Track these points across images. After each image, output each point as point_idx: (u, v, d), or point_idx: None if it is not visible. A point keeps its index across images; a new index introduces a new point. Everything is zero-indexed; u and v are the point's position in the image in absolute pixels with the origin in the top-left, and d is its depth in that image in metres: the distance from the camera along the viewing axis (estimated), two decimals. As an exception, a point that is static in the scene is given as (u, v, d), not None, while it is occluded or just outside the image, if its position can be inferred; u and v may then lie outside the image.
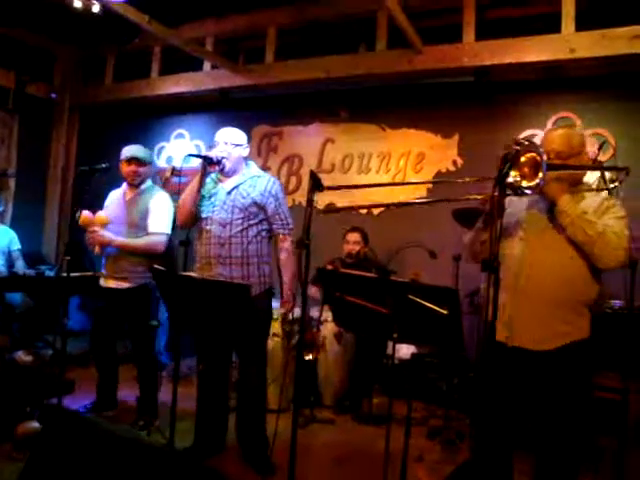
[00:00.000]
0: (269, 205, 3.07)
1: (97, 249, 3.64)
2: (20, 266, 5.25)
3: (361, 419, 4.10)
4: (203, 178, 2.99)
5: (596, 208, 2.27)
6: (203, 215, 3.07)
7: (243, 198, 3.03)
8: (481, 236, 2.39)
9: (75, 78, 6.50)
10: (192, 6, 5.23)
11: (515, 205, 2.47)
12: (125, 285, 3.60)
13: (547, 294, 2.25)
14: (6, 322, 5.00)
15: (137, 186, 3.73)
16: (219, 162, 3.00)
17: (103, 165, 3.51)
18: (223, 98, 5.74)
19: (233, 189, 3.07)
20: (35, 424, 3.15)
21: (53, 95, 6.41)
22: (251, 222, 3.03)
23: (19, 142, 6.23)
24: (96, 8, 4.58)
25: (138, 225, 3.63)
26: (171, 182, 5.62)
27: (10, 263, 5.22)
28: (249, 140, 5.75)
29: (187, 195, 3.05)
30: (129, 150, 3.71)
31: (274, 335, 4.23)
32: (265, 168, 5.73)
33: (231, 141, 3.09)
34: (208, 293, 2.41)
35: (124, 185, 3.80)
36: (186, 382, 4.21)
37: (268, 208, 3.08)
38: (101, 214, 3.65)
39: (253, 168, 3.20)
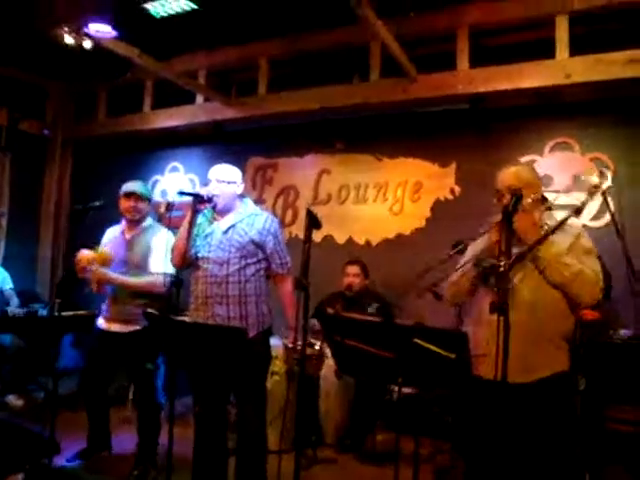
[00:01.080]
0: (267, 244, 2.99)
1: (95, 287, 3.51)
2: (14, 305, 5.13)
3: (364, 458, 3.96)
4: (194, 216, 2.91)
5: (569, 247, 2.30)
6: (199, 255, 2.98)
7: (240, 237, 2.95)
8: (471, 274, 2.38)
9: (67, 114, 6.46)
10: (183, 39, 5.20)
11: None
12: (131, 328, 3.46)
13: (527, 329, 2.23)
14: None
15: (137, 223, 3.63)
16: (210, 200, 2.92)
17: (97, 203, 3.44)
18: (216, 131, 5.71)
19: (229, 228, 2.99)
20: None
21: (46, 131, 6.36)
22: (249, 261, 2.94)
23: (11, 180, 6.16)
24: (87, 44, 4.52)
25: (140, 266, 3.52)
26: (166, 217, 5.61)
27: (3, 302, 5.10)
28: (243, 173, 5.78)
29: (180, 236, 2.96)
30: (128, 185, 3.63)
31: (274, 374, 4.12)
32: (260, 201, 5.66)
33: (223, 178, 3.02)
34: (202, 338, 2.30)
35: (123, 223, 3.70)
36: (183, 422, 4.06)
37: (267, 247, 2.99)
38: (104, 250, 3.55)
39: (250, 206, 3.13)
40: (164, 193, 6.23)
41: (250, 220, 3.02)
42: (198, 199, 2.88)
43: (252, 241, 2.94)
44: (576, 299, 2.25)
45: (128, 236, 3.63)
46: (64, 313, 4.76)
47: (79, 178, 6.55)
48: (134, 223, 3.63)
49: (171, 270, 3.41)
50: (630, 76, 3.84)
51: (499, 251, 1.96)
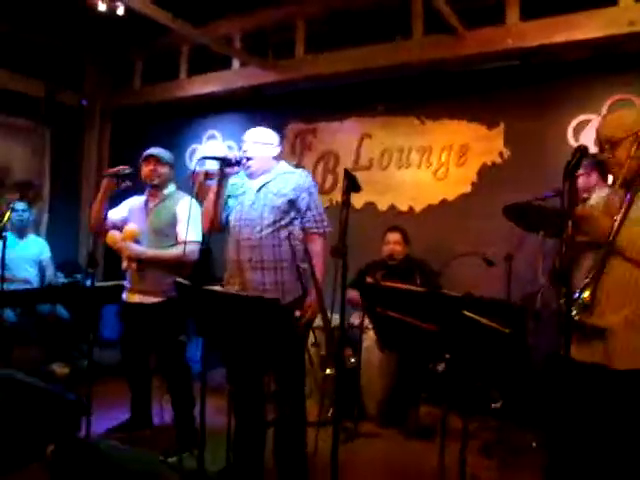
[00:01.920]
0: (301, 201, 2.82)
1: (125, 264, 3.46)
2: (49, 275, 5.17)
3: (408, 432, 3.83)
4: (222, 181, 2.78)
5: None
6: (231, 217, 2.87)
7: (274, 195, 2.80)
8: None
9: (104, 83, 6.41)
10: (217, 3, 5.04)
11: None
12: (151, 300, 3.41)
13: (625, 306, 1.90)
14: (40, 333, 4.91)
15: (159, 190, 3.54)
16: (238, 163, 2.78)
17: (127, 171, 3.36)
18: (255, 96, 5.55)
19: (262, 187, 2.85)
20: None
21: (83, 102, 6.33)
22: (282, 222, 2.78)
23: (52, 151, 6.18)
24: (121, 10, 4.43)
25: (164, 233, 3.44)
26: (205, 186, 5.52)
27: (42, 272, 5.14)
28: (282, 138, 5.64)
29: (209, 201, 2.84)
30: (148, 150, 3.55)
31: (313, 344, 4.02)
32: (300, 166, 5.49)
33: (259, 140, 2.87)
34: (234, 309, 2.18)
35: (146, 191, 3.61)
36: (221, 393, 4.02)
37: (300, 204, 2.82)
38: (130, 227, 3.48)
39: (283, 165, 2.98)
40: (202, 162, 6.12)
41: (283, 178, 2.87)
42: (225, 163, 2.75)
43: (286, 199, 2.79)
44: None
45: (151, 204, 3.55)
46: (101, 284, 4.80)
47: (118, 148, 6.51)
48: (156, 190, 3.53)
49: (200, 238, 3.33)
50: None
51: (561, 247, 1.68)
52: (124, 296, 3.57)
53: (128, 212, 3.60)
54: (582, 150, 1.73)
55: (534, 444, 3.50)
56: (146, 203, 3.58)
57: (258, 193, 2.84)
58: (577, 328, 1.82)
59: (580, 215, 1.89)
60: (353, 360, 3.89)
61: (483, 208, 4.42)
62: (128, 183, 3.38)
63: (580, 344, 1.86)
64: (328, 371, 3.85)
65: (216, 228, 2.82)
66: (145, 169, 3.51)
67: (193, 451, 3.20)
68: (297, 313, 2.72)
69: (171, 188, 3.59)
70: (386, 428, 3.93)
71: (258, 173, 2.87)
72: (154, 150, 3.53)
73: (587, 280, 1.82)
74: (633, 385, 1.90)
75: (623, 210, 1.83)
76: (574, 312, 1.76)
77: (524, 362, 1.69)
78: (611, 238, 1.80)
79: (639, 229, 1.89)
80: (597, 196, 2.09)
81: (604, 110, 4.20)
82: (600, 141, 2.03)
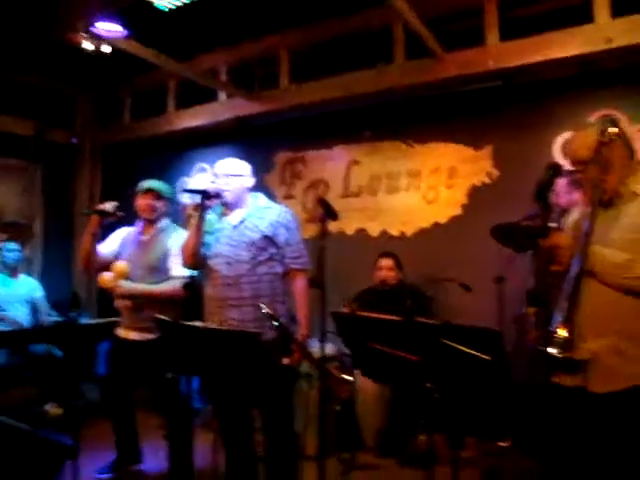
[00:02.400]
0: (280, 236, 2.81)
1: (117, 302, 3.42)
2: (43, 314, 5.13)
3: (407, 461, 3.74)
4: (203, 214, 2.76)
5: None
6: (209, 253, 2.83)
7: (251, 231, 2.78)
8: None
9: (94, 121, 6.46)
10: (203, 38, 5.10)
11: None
12: (149, 336, 3.31)
13: (603, 326, 1.86)
14: (33, 373, 4.85)
15: (153, 224, 3.49)
16: (218, 195, 2.77)
17: (109, 207, 3.32)
18: (242, 127, 5.58)
19: (240, 222, 2.83)
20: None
21: (74, 140, 6.37)
22: (260, 258, 2.76)
23: (43, 189, 6.19)
24: (106, 48, 4.48)
25: (157, 268, 3.39)
26: (195, 218, 5.51)
27: (35, 312, 5.11)
28: (272, 168, 5.65)
29: (190, 235, 2.81)
30: (145, 182, 3.51)
31: (307, 375, 3.95)
32: (290, 196, 5.51)
33: (230, 172, 2.87)
34: (215, 343, 2.14)
35: (138, 224, 3.57)
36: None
37: (278, 240, 2.80)
38: (119, 264, 3.42)
39: (262, 200, 2.96)
40: (191, 195, 6.13)
41: (261, 213, 2.86)
42: (205, 195, 2.73)
43: (263, 235, 2.77)
44: None
45: (145, 238, 3.50)
46: (96, 321, 4.75)
47: (109, 183, 6.52)
48: (150, 223, 3.49)
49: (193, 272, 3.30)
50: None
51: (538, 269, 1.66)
52: (119, 332, 3.49)
53: (120, 245, 3.54)
54: (554, 168, 1.71)
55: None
56: (139, 235, 3.52)
57: (236, 229, 2.82)
58: (560, 364, 1.76)
59: (547, 246, 1.87)
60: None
61: (475, 229, 4.38)
62: (114, 218, 3.36)
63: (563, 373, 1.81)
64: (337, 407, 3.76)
65: (196, 263, 2.79)
66: (142, 202, 3.47)
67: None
68: (285, 361, 2.66)
69: (165, 222, 3.54)
70: (384, 458, 3.84)
71: (233, 206, 2.86)
72: (154, 183, 3.49)
73: (563, 314, 1.75)
74: (611, 407, 1.85)
75: (585, 233, 1.75)
76: (555, 350, 1.70)
77: (506, 387, 1.64)
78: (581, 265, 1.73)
79: (610, 251, 1.85)
80: (571, 218, 2.05)
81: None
82: (572, 162, 1.98)
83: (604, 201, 1.90)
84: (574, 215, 1.67)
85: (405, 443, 3.84)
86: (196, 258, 2.74)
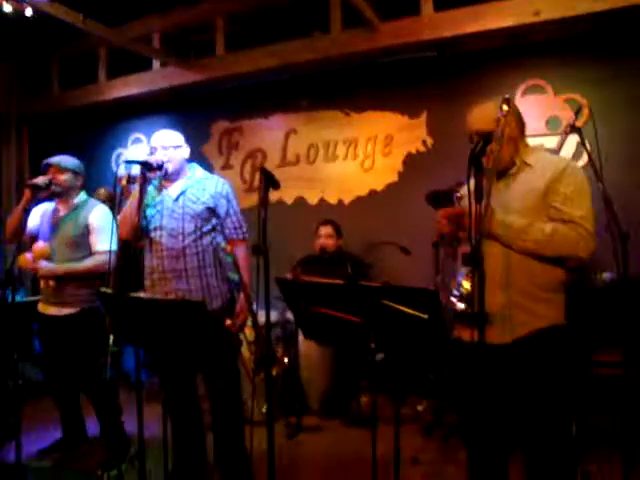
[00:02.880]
0: (220, 207, 2.84)
1: (42, 283, 3.34)
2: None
3: (350, 422, 3.89)
4: (144, 186, 2.73)
5: (549, 184, 2.03)
6: (150, 226, 2.82)
7: (193, 203, 2.79)
8: None
9: (20, 90, 6.14)
10: (134, 3, 4.92)
11: None
12: (67, 311, 3.28)
13: (504, 282, 2.05)
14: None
15: (67, 199, 3.39)
16: (160, 167, 2.75)
17: (47, 180, 3.22)
18: (178, 96, 5.47)
19: (180, 195, 2.82)
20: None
21: (-3, 109, 6.06)
22: (204, 229, 2.78)
23: (-34, 163, 5.90)
24: (28, 11, 4.28)
25: (77, 244, 3.31)
26: (129, 190, 5.40)
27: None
28: (208, 137, 5.58)
29: (129, 207, 2.78)
30: (47, 159, 3.39)
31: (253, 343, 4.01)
32: (227, 166, 5.49)
33: (170, 144, 2.84)
34: (161, 314, 2.15)
35: (56, 200, 3.46)
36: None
37: (220, 211, 2.84)
38: (39, 245, 3.33)
39: (198, 171, 2.95)
40: (128, 166, 5.98)
41: (201, 185, 2.86)
42: (147, 167, 2.70)
43: (206, 207, 2.78)
44: (560, 261, 2.04)
45: (61, 213, 3.40)
46: (30, 298, 4.61)
47: (38, 157, 6.24)
48: (64, 199, 3.39)
49: (114, 247, 3.27)
50: (599, 10, 3.67)
51: (471, 195, 1.80)
52: (39, 308, 3.43)
53: (39, 222, 3.45)
54: (486, 136, 1.80)
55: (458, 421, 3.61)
56: (55, 212, 3.43)
57: (177, 202, 2.82)
58: (464, 317, 1.93)
59: (453, 213, 2.07)
60: (287, 360, 3.88)
61: (411, 196, 4.50)
62: (46, 192, 3.27)
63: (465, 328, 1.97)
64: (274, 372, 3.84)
65: (135, 236, 2.77)
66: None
67: (133, 462, 3.16)
68: (227, 322, 2.71)
69: (82, 197, 3.45)
70: (329, 419, 3.97)
71: (174, 177, 2.84)
72: (53, 158, 3.37)
73: (465, 271, 1.92)
74: (514, 355, 2.06)
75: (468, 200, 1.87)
76: (462, 305, 1.87)
77: (444, 344, 1.75)
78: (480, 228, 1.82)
79: (512, 217, 2.03)
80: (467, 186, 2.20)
81: (518, 96, 4.37)
82: (469, 134, 2.16)
83: (499, 170, 2.09)
84: (471, 183, 1.79)
85: (348, 404, 3.98)
86: (136, 231, 2.71)
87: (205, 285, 2.73)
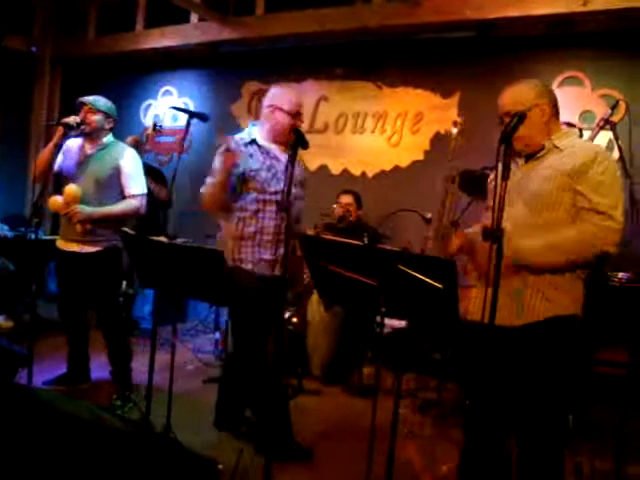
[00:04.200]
0: None
1: (78, 227, 3.27)
2: (-6, 227, 5.04)
3: (351, 390, 3.95)
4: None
5: (573, 171, 1.96)
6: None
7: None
8: None
9: (56, 30, 6.17)
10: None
11: None
12: (88, 249, 3.31)
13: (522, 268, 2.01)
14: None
15: (96, 138, 3.39)
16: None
17: (78, 120, 3.25)
18: (212, 53, 5.48)
19: None
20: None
21: (33, 49, 6.08)
22: None
23: (-1, 98, 5.95)
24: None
25: (105, 183, 3.33)
26: (154, 139, 5.44)
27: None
28: (239, 97, 5.58)
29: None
30: (82, 97, 3.38)
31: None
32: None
33: None
34: (181, 258, 2.20)
35: (81, 139, 3.44)
36: (165, 349, 4.06)
37: None
38: (72, 188, 3.28)
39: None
40: (157, 117, 6.02)
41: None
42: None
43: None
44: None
45: (89, 151, 3.40)
46: (47, 237, 4.69)
47: (69, 99, 6.28)
48: (92, 138, 3.38)
49: (145, 190, 3.31)
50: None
51: (493, 207, 1.75)
52: (58, 244, 3.44)
53: (64, 156, 3.43)
54: (520, 115, 1.80)
55: (467, 402, 3.66)
56: (81, 149, 3.42)
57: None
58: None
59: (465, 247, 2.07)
60: (295, 320, 3.94)
61: (435, 176, 4.46)
62: (77, 131, 3.30)
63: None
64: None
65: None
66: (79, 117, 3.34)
67: (138, 404, 3.25)
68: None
69: (110, 137, 3.45)
70: (329, 386, 4.03)
71: None
72: (87, 97, 3.37)
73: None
74: (520, 340, 2.05)
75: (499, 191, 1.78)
76: None
77: (454, 316, 1.77)
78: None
79: (525, 242, 1.98)
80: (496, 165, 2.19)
81: (554, 86, 4.31)
82: (501, 115, 2.10)
83: (528, 154, 2.06)
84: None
85: (350, 373, 4.04)
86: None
87: None
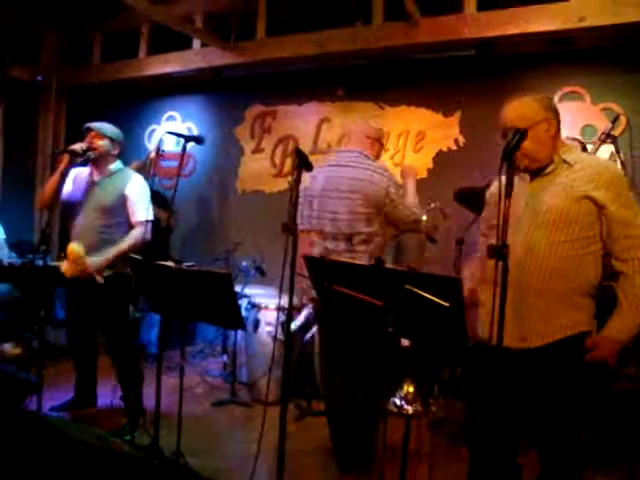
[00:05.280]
0: None
1: (99, 279, 3.29)
2: (4, 256, 5.06)
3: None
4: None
5: (592, 190, 1.94)
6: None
7: None
8: None
9: (61, 60, 6.26)
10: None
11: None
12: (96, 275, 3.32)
13: (534, 286, 1.99)
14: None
15: (103, 165, 3.42)
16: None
17: (84, 147, 3.28)
18: (215, 78, 5.53)
19: None
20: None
21: (39, 78, 6.17)
22: None
23: (5, 128, 6.03)
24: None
25: (110, 210, 3.36)
26: (158, 164, 5.50)
27: (-4, 253, 5.04)
28: (242, 121, 5.64)
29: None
30: (87, 124, 3.43)
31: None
32: (258, 150, 5.54)
33: None
34: (188, 282, 2.21)
35: (90, 165, 3.49)
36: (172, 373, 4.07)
37: None
38: (71, 248, 3.26)
39: None
40: (161, 142, 6.08)
41: None
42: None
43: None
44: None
45: (96, 178, 3.44)
46: (54, 263, 4.71)
47: (74, 127, 6.36)
48: (99, 165, 3.42)
49: (151, 216, 3.34)
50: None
51: (498, 224, 1.72)
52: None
53: (72, 183, 3.47)
54: (522, 132, 1.82)
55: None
56: (89, 177, 3.46)
57: None
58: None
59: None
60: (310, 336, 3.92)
61: (439, 194, 4.48)
62: (83, 158, 3.33)
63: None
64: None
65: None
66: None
67: (147, 430, 3.23)
68: None
69: (118, 164, 3.49)
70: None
71: None
72: (94, 123, 3.41)
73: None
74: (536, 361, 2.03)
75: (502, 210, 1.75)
76: None
77: (463, 335, 1.77)
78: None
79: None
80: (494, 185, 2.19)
81: (555, 101, 4.34)
82: (504, 129, 2.08)
83: (532, 170, 2.06)
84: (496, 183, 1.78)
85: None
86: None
87: None
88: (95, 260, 3.25)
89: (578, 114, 4.28)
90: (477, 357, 2.12)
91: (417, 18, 4.20)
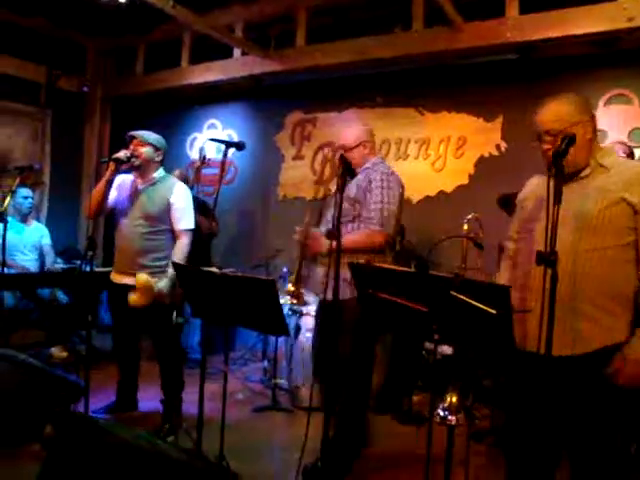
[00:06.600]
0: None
1: (167, 300, 3.38)
2: (49, 261, 5.21)
3: (401, 419, 3.89)
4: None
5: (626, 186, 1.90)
6: None
7: None
8: None
9: (106, 70, 6.45)
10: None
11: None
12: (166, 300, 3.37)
13: (572, 292, 1.93)
14: (41, 317, 4.97)
15: (146, 172, 3.46)
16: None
17: (128, 154, 3.35)
18: (255, 85, 5.59)
19: None
20: (61, 425, 3.04)
21: (85, 88, 6.36)
22: None
23: (52, 137, 6.22)
24: (122, -1, 4.52)
25: (154, 218, 3.41)
26: (201, 172, 5.58)
27: (42, 258, 5.19)
28: (282, 128, 5.68)
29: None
30: (131, 132, 3.49)
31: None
32: (299, 156, 5.58)
33: None
34: (232, 288, 2.24)
35: (134, 173, 3.53)
36: (215, 379, 4.09)
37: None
38: (143, 279, 3.29)
39: None
40: (202, 150, 6.17)
41: None
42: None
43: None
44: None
45: (140, 186, 3.48)
46: (100, 269, 4.82)
47: (119, 135, 6.53)
48: (142, 172, 3.46)
49: (193, 225, 3.40)
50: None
51: (546, 230, 1.69)
52: (113, 277, 3.52)
53: (117, 190, 3.52)
54: (571, 137, 1.78)
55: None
56: (133, 184, 3.51)
57: None
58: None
59: None
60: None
61: (480, 200, 4.45)
62: (128, 166, 3.40)
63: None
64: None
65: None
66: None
67: (189, 433, 3.26)
68: None
69: (161, 172, 3.53)
70: (380, 414, 3.98)
71: None
72: (137, 131, 3.47)
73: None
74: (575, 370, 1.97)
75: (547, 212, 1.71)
76: None
77: (509, 343, 1.74)
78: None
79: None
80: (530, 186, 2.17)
81: (601, 105, 4.25)
82: (539, 132, 2.03)
83: (568, 174, 1.96)
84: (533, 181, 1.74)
85: (400, 402, 3.99)
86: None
87: None
88: (162, 286, 3.30)
89: (626, 117, 4.18)
90: (521, 365, 2.07)
91: (459, 23, 4.17)
